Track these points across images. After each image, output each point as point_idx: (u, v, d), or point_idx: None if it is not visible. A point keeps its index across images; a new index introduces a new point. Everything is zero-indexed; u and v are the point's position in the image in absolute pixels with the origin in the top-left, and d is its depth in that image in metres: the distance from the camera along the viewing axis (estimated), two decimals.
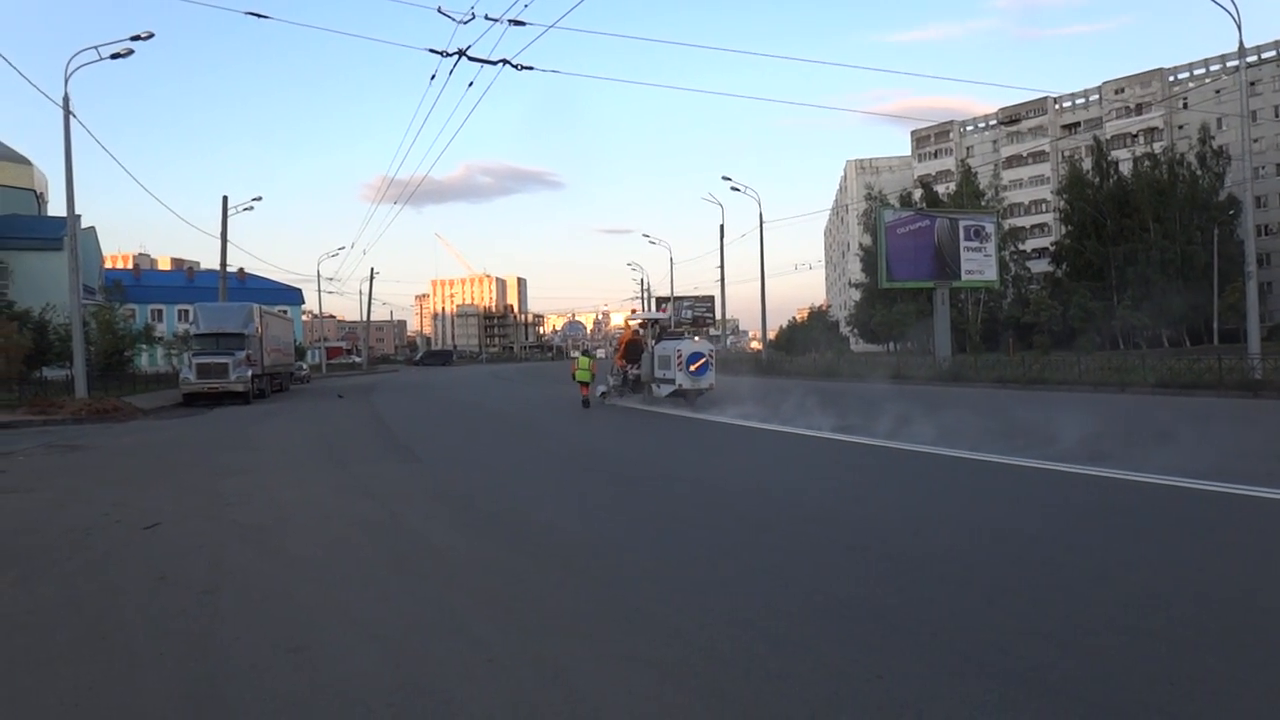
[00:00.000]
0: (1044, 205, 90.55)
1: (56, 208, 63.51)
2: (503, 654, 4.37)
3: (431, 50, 18.02)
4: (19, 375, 32.57)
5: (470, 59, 17.71)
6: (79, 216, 27.42)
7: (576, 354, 27.23)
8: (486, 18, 16.81)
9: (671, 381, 22.00)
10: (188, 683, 4.13)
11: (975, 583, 5.44)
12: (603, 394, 25.07)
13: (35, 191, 63.68)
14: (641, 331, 25.90)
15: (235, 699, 3.91)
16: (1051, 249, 78.54)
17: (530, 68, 18.25)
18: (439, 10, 16.65)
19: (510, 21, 16.75)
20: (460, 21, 16.78)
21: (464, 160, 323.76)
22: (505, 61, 17.71)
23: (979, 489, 9.24)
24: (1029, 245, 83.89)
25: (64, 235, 35.01)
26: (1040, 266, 79.42)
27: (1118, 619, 4.63)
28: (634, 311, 45.00)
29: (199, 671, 4.27)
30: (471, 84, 29.12)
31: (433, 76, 18.45)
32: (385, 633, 4.78)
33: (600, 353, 60.89)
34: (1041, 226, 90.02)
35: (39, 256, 54.27)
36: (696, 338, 28.61)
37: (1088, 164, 73.31)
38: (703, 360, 21.91)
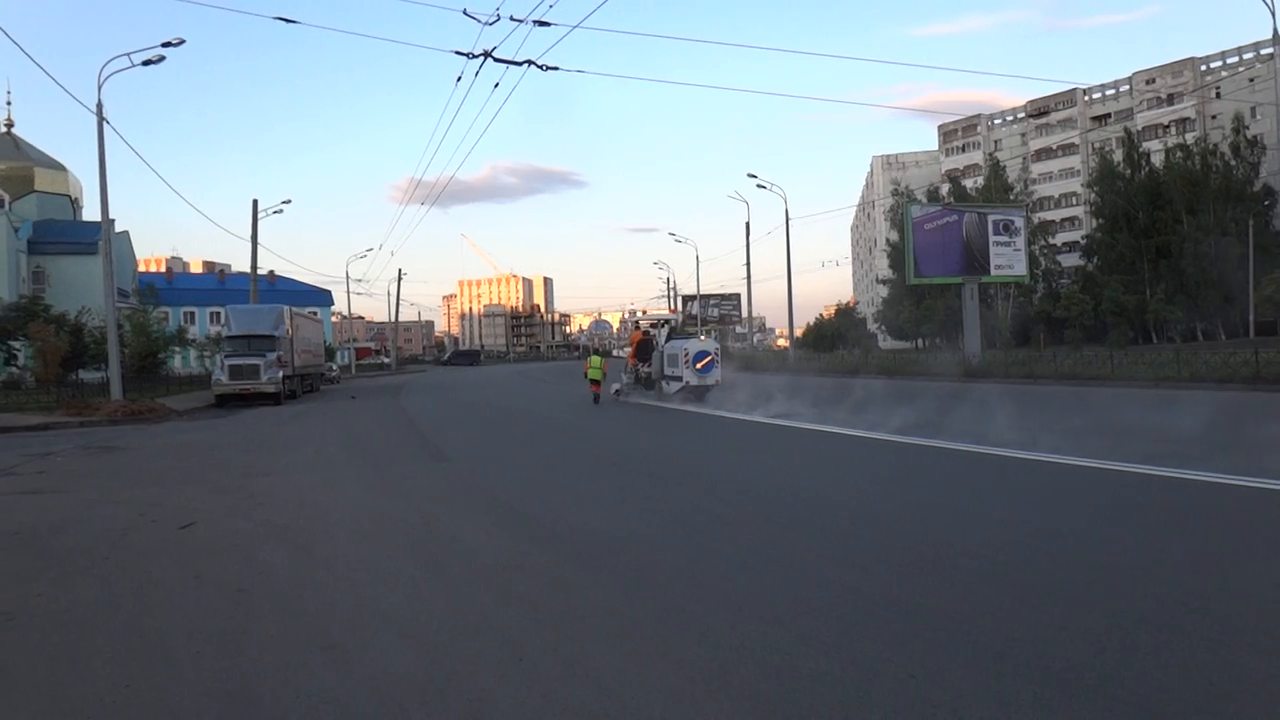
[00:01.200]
0: (1074, 198, 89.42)
1: (91, 213, 64.59)
2: (533, 652, 4.38)
3: (458, 52, 18.14)
4: (56, 377, 33.15)
5: (496, 60, 17.79)
6: (113, 221, 27.82)
7: (598, 351, 28.55)
8: (511, 19, 16.87)
9: (679, 378, 23.25)
10: (223, 680, 4.18)
11: (1009, 581, 5.38)
12: (616, 391, 26.44)
13: (70, 197, 64.80)
14: (653, 331, 27.11)
15: (269, 697, 3.94)
16: (1082, 242, 77.57)
17: (555, 68, 18.32)
18: (464, 12, 16.73)
19: (535, 22, 16.79)
20: (485, 23, 16.86)
21: (489, 161, 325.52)
22: (530, 62, 17.77)
23: (1011, 486, 9.14)
24: (1059, 239, 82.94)
25: (99, 240, 35.56)
26: (1071, 260, 78.52)
27: (1155, 617, 4.56)
28: (643, 313, 45.93)
29: (233, 669, 4.31)
30: (497, 85, 29.17)
31: (459, 78, 18.60)
32: (417, 631, 4.81)
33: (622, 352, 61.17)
34: (1072, 220, 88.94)
35: (74, 261, 55.24)
36: (702, 337, 29.98)
37: (1118, 156, 72.23)
38: (709, 358, 23.19)
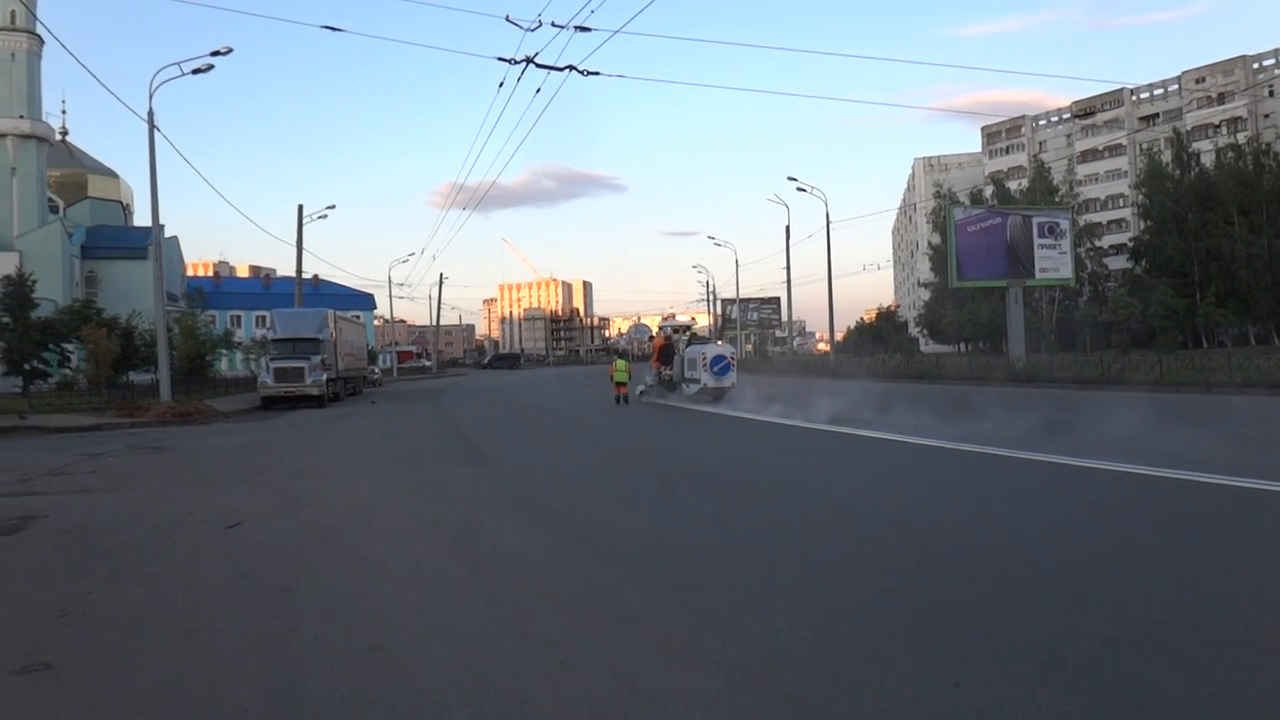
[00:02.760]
0: (1121, 200, 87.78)
1: (141, 218, 66.00)
2: (575, 655, 4.39)
3: (500, 58, 18.23)
4: (108, 379, 33.85)
5: (538, 66, 17.88)
6: (162, 226, 28.39)
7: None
8: (553, 24, 16.93)
9: (698, 381, 24.98)
10: (270, 679, 4.24)
11: (1054, 588, 5.29)
12: (641, 392, 28.13)
13: (122, 203, 66.31)
14: (674, 337, 29.12)
15: (315, 696, 3.99)
16: (1130, 245, 76.08)
17: (596, 73, 18.36)
18: (507, 19, 16.84)
19: (576, 28, 16.85)
20: (527, 29, 16.94)
21: (529, 165, 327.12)
22: (571, 67, 17.83)
23: (1054, 493, 9.00)
24: (1106, 242, 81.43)
25: (149, 245, 36.31)
26: (1118, 263, 77.06)
27: (1204, 627, 4.46)
28: (666, 318, 47.66)
29: (280, 668, 4.37)
30: (539, 90, 29.34)
31: (501, 84, 18.77)
32: (459, 633, 4.84)
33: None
34: (1119, 222, 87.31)
35: (126, 265, 56.49)
36: (720, 342, 31.52)
37: (1167, 156, 70.80)
38: (725, 362, 25.03)
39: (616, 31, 17.59)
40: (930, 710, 3.58)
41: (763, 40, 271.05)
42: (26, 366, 38.19)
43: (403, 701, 3.89)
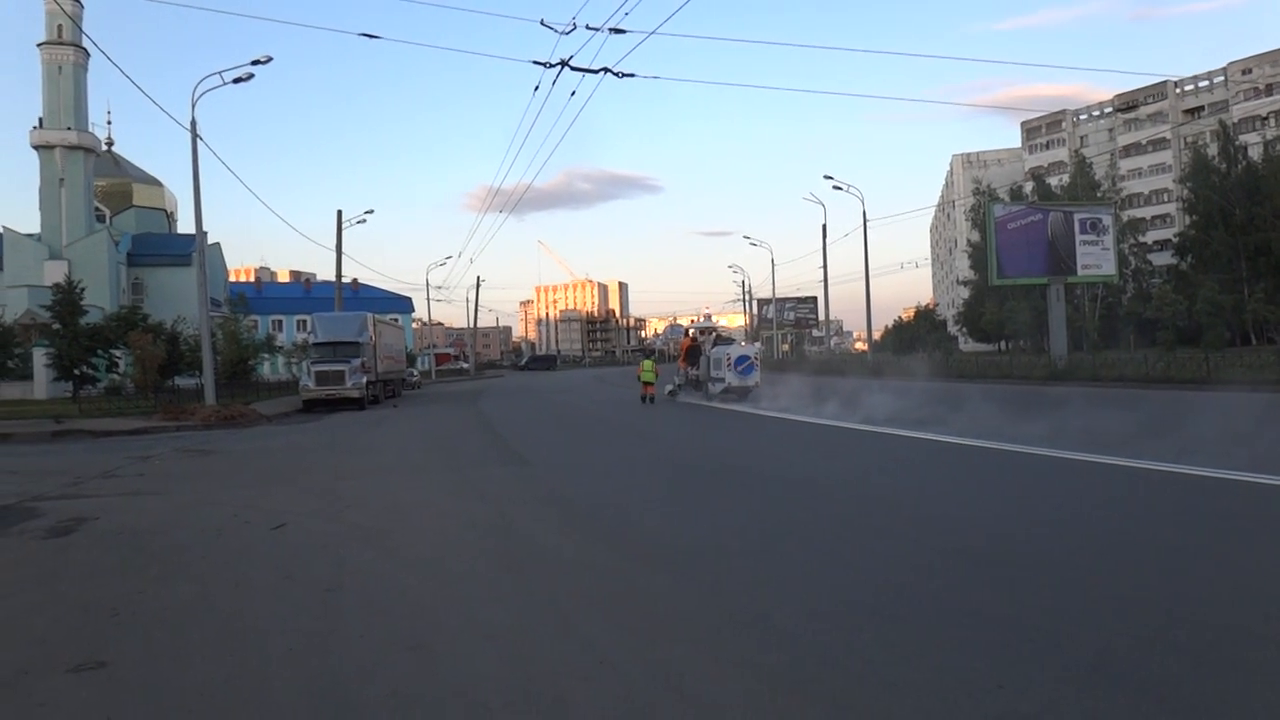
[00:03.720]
0: (1165, 195, 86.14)
1: (185, 226, 67.17)
2: (614, 656, 4.41)
3: (535, 62, 18.36)
4: (154, 383, 34.49)
5: (573, 69, 17.95)
6: (206, 233, 28.87)
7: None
8: (588, 27, 17.00)
9: (723, 380, 25.99)
10: (314, 678, 4.31)
11: (1098, 590, 5.22)
12: (670, 391, 29.39)
13: (166, 211, 67.49)
14: (700, 338, 30.29)
15: (359, 695, 4.05)
16: (1175, 240, 74.65)
17: (631, 75, 18.40)
18: (541, 23, 16.93)
19: (611, 30, 16.89)
20: (562, 33, 17.03)
21: (564, 167, 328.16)
22: (606, 70, 17.88)
23: (1099, 493, 8.87)
24: (1150, 237, 79.92)
25: (193, 252, 37.03)
26: (1163, 259, 75.63)
27: (1255, 630, 4.38)
28: (693, 322, 49.00)
29: (324, 667, 4.44)
30: (574, 93, 29.44)
31: (536, 88, 18.89)
32: (499, 633, 4.89)
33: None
34: (1163, 217, 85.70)
35: (170, 272, 57.48)
36: (743, 343, 32.80)
37: (1213, 150, 69.31)
38: (749, 362, 26.12)
39: (651, 33, 17.61)
40: (974, 713, 3.55)
41: (797, 39, 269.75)
42: (76, 372, 39.06)
43: (445, 701, 3.93)
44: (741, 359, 26.18)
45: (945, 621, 4.72)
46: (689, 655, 4.38)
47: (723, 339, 31.63)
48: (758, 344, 33.44)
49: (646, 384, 27.95)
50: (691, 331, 33.44)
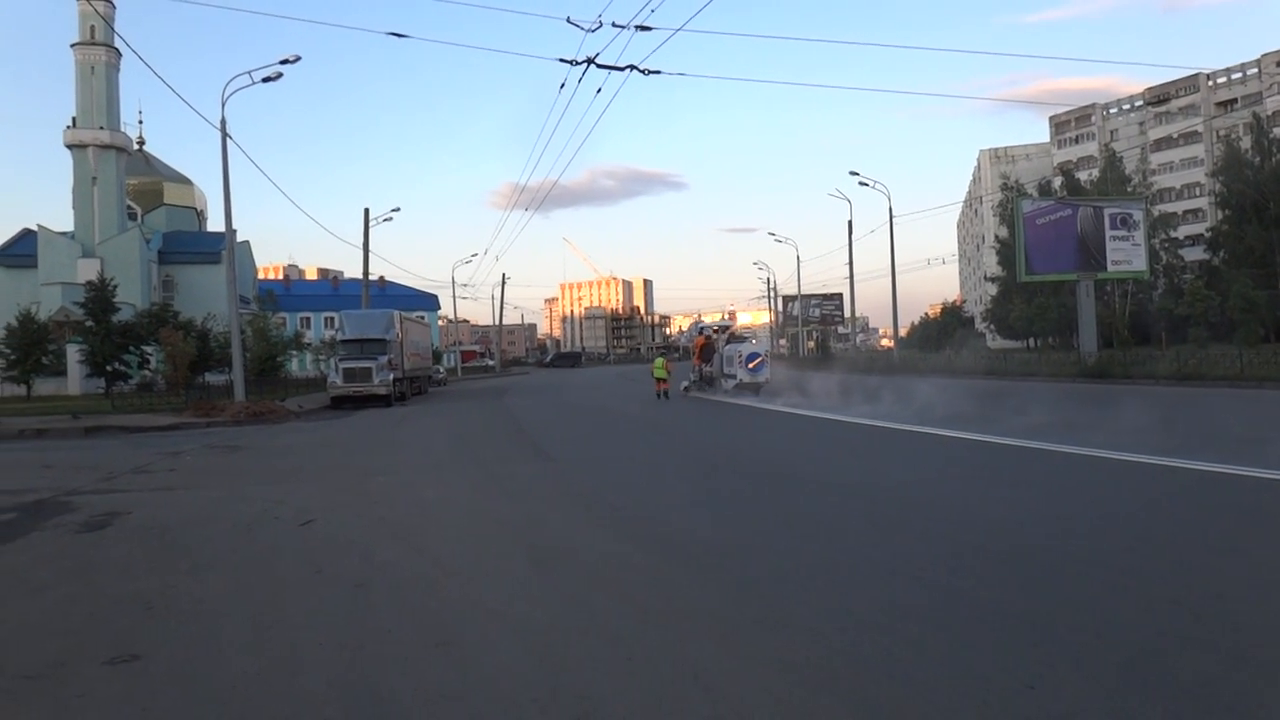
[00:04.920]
0: (1197, 189, 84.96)
1: (215, 224, 67.93)
2: (641, 653, 4.41)
3: (562, 59, 18.41)
4: (184, 380, 34.95)
5: (599, 66, 17.98)
6: (235, 231, 29.16)
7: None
8: (614, 25, 17.00)
9: (734, 377, 27.27)
10: (344, 672, 4.34)
11: (1130, 589, 5.16)
12: (685, 388, 30.68)
13: (196, 209, 68.30)
14: (714, 336, 31.83)
15: (388, 690, 4.08)
16: (1207, 235, 73.70)
17: (657, 72, 18.43)
18: (568, 20, 16.96)
19: (637, 27, 16.88)
20: (588, 30, 17.04)
21: (588, 164, 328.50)
22: (632, 67, 17.89)
23: (1129, 491, 8.76)
24: (1181, 232, 78.92)
25: (222, 250, 37.36)
26: (1195, 254, 74.66)
27: None
28: (697, 320, 50.45)
29: (354, 661, 4.48)
30: (599, 90, 29.48)
31: (562, 85, 18.90)
32: (527, 628, 4.91)
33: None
34: (1195, 212, 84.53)
35: (200, 270, 58.19)
36: (754, 341, 33.79)
37: (1246, 143, 68.32)
38: (759, 360, 27.35)
39: (677, 30, 17.60)
40: (1004, 714, 3.52)
41: (823, 35, 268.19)
42: (108, 368, 39.69)
43: (473, 696, 3.96)
44: (752, 356, 27.44)
45: (975, 621, 4.68)
46: (717, 652, 4.37)
47: (735, 337, 32.72)
48: (757, 340, 35.15)
49: (660, 380, 29.13)
50: (706, 330, 34.96)
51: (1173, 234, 75.56)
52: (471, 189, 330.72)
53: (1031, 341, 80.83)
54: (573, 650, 4.51)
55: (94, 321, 40.00)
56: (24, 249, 53.30)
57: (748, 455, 13.71)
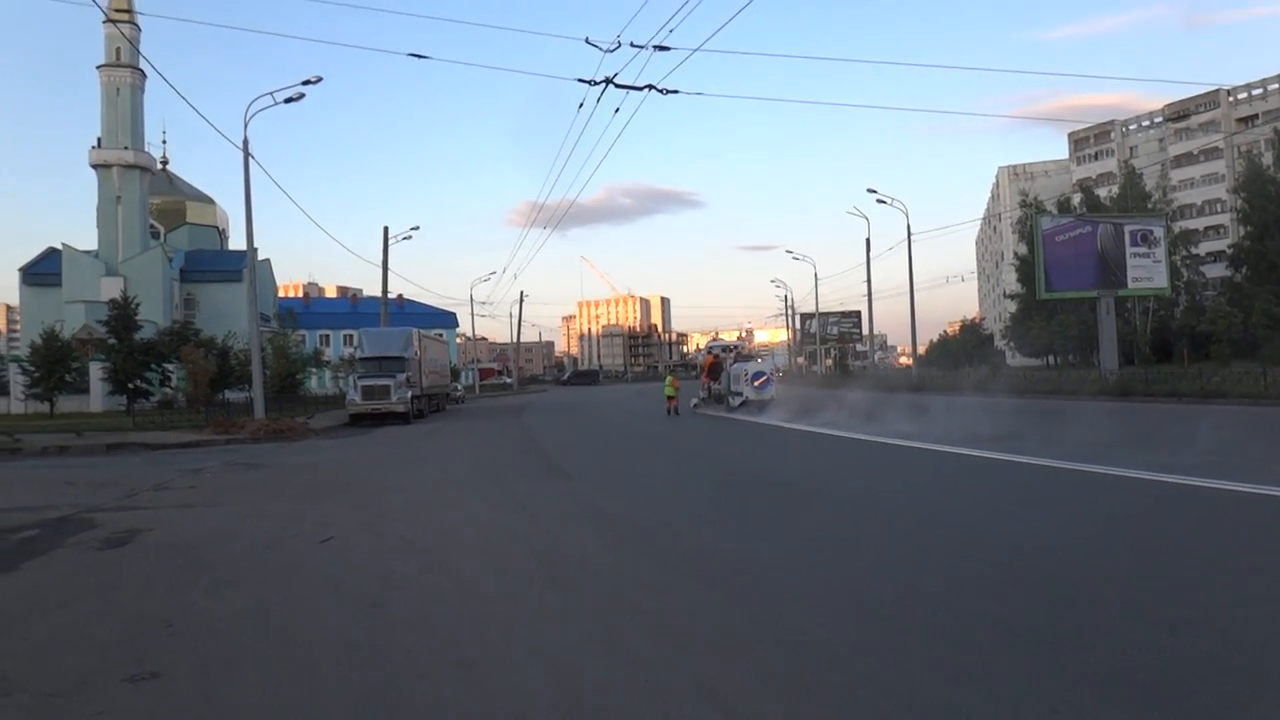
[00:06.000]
0: (1219, 205, 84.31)
1: (236, 242, 68.62)
2: (660, 674, 4.39)
3: (580, 80, 18.50)
4: (205, 397, 35.22)
5: (617, 86, 18.06)
6: (256, 250, 29.42)
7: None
8: (632, 45, 17.07)
9: (741, 394, 28.28)
10: (362, 691, 4.34)
11: (1152, 612, 5.09)
12: (694, 404, 31.63)
13: (218, 228, 69.06)
14: (722, 356, 33.29)
15: (406, 708, 4.07)
16: (1229, 252, 73.03)
17: (675, 91, 18.49)
18: (586, 41, 17.05)
19: (655, 48, 16.95)
20: (607, 50, 17.12)
21: (605, 183, 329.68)
22: (651, 87, 17.96)
23: (1150, 511, 8.66)
24: (1203, 249, 78.30)
25: (243, 268, 37.77)
26: (1217, 271, 74.00)
27: None
28: (712, 340, 51.60)
29: (373, 681, 4.47)
30: (618, 110, 29.65)
31: (580, 105, 19.07)
32: (545, 648, 4.89)
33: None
34: (1217, 228, 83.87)
35: (221, 288, 58.76)
36: (760, 359, 34.72)
37: (1268, 159, 67.74)
38: (765, 378, 28.59)
39: (695, 50, 17.67)
40: None
41: (840, 53, 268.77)
42: (130, 386, 40.03)
43: (491, 716, 3.95)
44: (758, 374, 28.64)
45: (996, 642, 4.63)
46: (737, 674, 4.34)
47: (742, 356, 33.96)
48: (764, 359, 36.12)
49: (670, 398, 30.38)
50: (714, 349, 36.57)
51: (1194, 250, 74.99)
52: (490, 207, 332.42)
53: (1051, 359, 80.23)
54: (591, 670, 4.50)
55: (116, 339, 40.41)
56: (49, 267, 54.02)
57: (766, 473, 13.65)
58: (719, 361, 32.89)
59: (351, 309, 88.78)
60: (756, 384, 28.16)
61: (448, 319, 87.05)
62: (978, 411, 22.88)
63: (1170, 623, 4.86)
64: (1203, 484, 9.56)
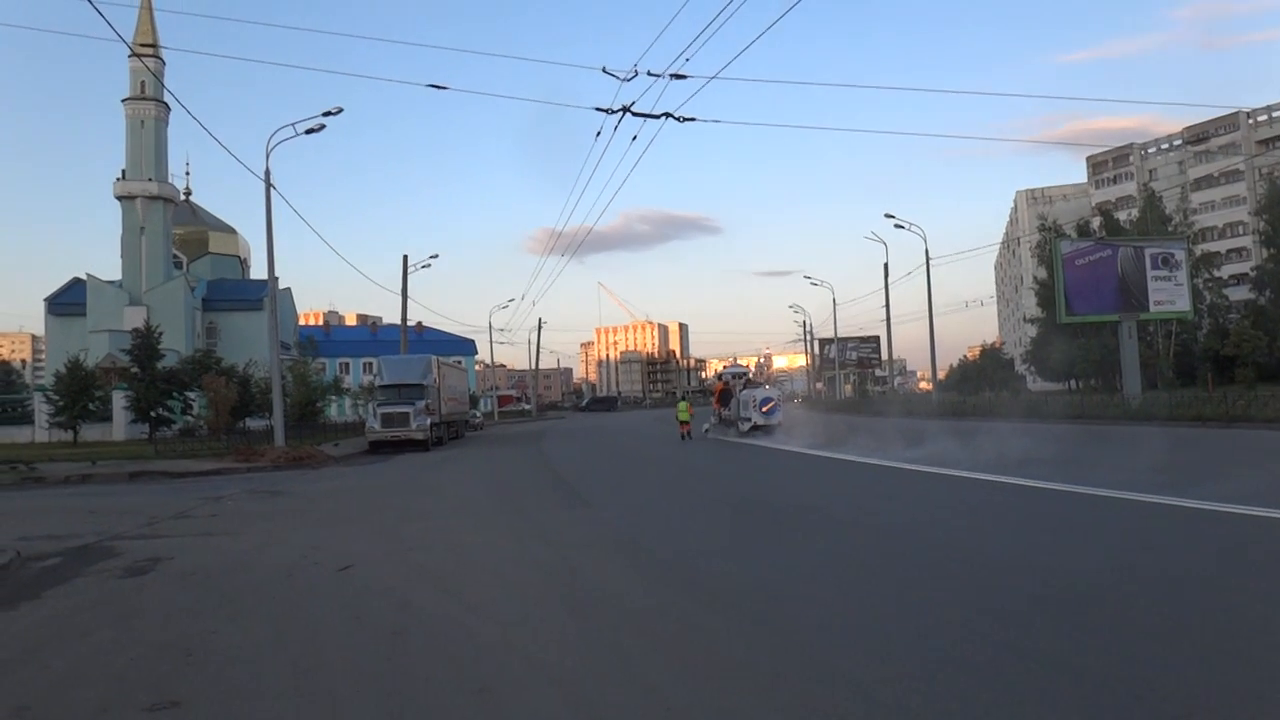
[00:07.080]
0: (1240, 228, 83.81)
1: (257, 272, 69.30)
2: (680, 704, 4.35)
3: (598, 109, 18.65)
4: (226, 425, 35.42)
5: (634, 114, 18.18)
6: (277, 279, 29.69)
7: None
8: (649, 74, 17.20)
9: (750, 419, 29.42)
10: (383, 718, 4.33)
11: (1183, 641, 5.01)
12: (706, 430, 32.57)
13: (240, 258, 69.80)
14: (732, 383, 34.53)
15: None
16: (1252, 274, 72.45)
17: (692, 119, 18.58)
18: (604, 70, 17.20)
19: (672, 76, 17.07)
20: (624, 79, 17.25)
21: (622, 209, 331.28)
22: (668, 115, 18.07)
23: (1179, 537, 8.54)
24: (1225, 271, 77.71)
25: (264, 297, 38.09)
26: (1239, 294, 73.40)
27: None
28: (725, 367, 52.44)
29: (393, 709, 4.45)
30: (635, 138, 29.93)
31: (598, 133, 19.30)
32: (564, 677, 4.86)
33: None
34: (1239, 251, 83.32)
35: (242, 316, 59.33)
36: (767, 386, 36.82)
37: None
38: (772, 404, 29.85)
39: (712, 78, 17.81)
40: None
41: (857, 78, 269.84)
42: (152, 414, 40.36)
43: None
44: (765, 400, 29.96)
45: (1025, 673, 4.56)
46: (757, 704, 4.30)
47: (751, 383, 35.55)
48: (771, 385, 38.25)
49: (683, 423, 31.03)
50: (724, 377, 37.84)
51: (1216, 273, 74.42)
52: (508, 235, 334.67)
53: (1073, 383, 79.58)
54: (610, 699, 4.46)
55: (139, 368, 40.81)
56: (73, 297, 54.74)
57: (785, 502, 13.56)
58: (729, 388, 34.16)
59: (371, 337, 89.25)
60: (764, 409, 29.26)
61: (467, 346, 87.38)
62: (1009, 436, 22.69)
63: (1201, 652, 4.78)
64: (1228, 509, 9.42)
